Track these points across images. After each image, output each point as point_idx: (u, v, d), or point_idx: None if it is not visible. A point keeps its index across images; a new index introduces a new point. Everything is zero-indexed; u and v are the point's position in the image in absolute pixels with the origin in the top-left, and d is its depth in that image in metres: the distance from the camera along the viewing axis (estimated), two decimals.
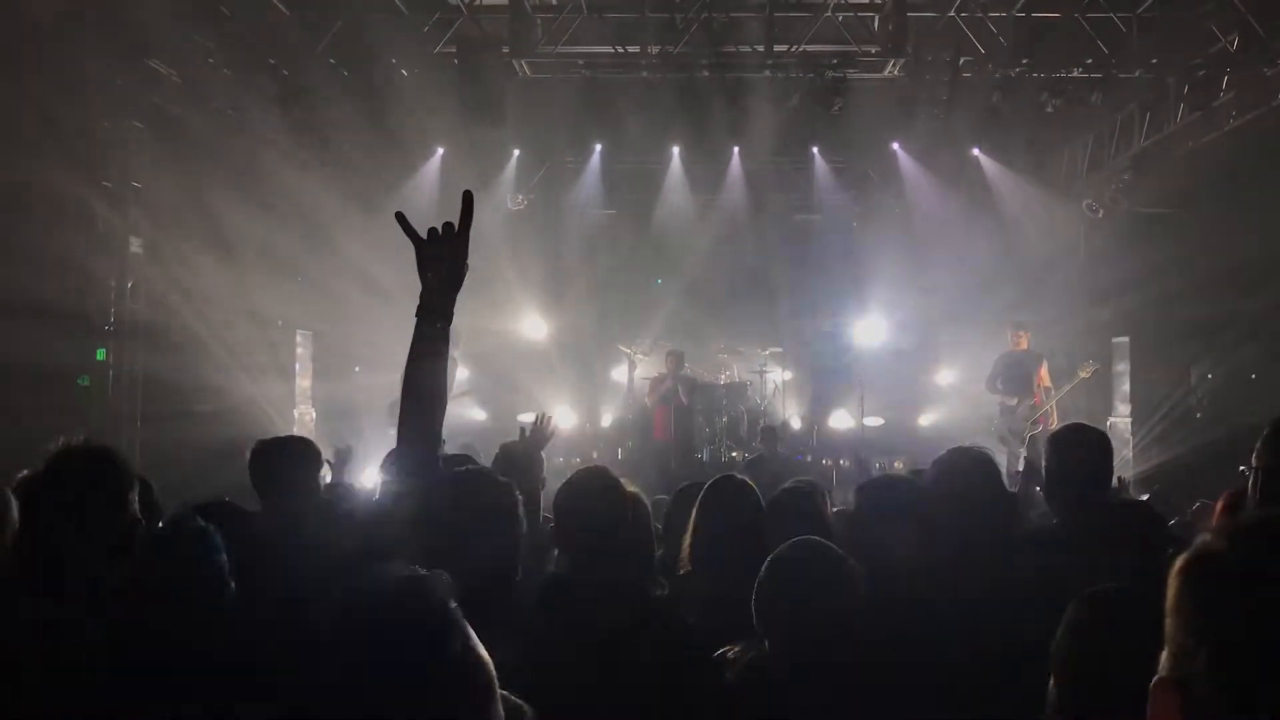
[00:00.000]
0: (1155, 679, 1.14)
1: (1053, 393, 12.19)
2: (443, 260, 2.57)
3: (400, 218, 2.60)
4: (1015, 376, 12.29)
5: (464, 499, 2.54)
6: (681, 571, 3.64)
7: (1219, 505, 3.86)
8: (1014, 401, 12.21)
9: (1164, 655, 1.15)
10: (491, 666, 1.43)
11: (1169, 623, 1.14)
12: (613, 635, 2.70)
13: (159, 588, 2.50)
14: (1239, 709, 1.05)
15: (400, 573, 1.44)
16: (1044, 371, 12.34)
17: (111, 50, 10.13)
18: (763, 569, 2.81)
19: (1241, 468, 3.08)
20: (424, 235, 2.58)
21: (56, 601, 2.56)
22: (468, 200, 2.60)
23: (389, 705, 1.33)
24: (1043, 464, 3.92)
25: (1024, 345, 12.45)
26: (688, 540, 3.69)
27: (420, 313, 2.59)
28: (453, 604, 1.42)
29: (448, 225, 2.58)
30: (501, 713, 1.44)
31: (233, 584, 2.70)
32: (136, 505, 2.90)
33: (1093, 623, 2.09)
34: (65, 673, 2.32)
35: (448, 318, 2.59)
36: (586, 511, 3.10)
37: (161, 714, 2.25)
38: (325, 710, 1.35)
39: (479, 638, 1.43)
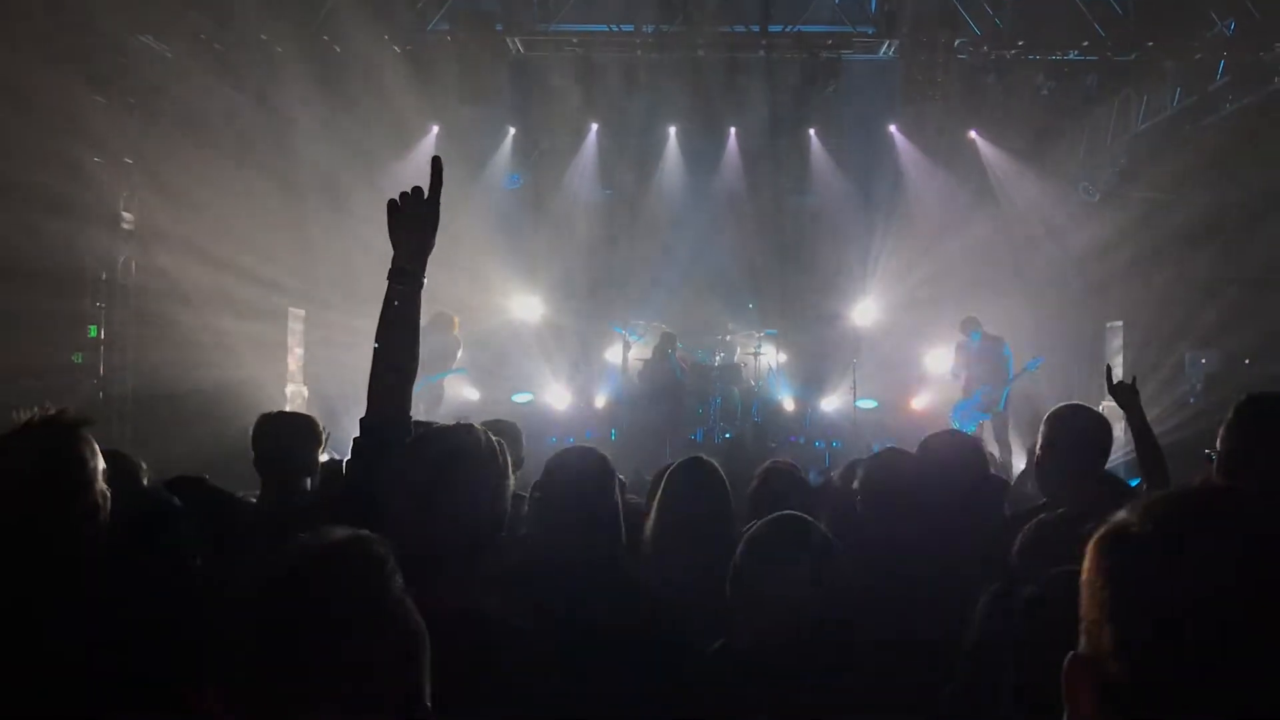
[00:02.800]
0: (1069, 655, 1.12)
1: (1010, 378, 12.27)
2: (414, 225, 2.62)
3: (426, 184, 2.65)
4: (979, 362, 12.41)
5: (443, 448, 2.49)
6: (646, 554, 3.52)
7: None
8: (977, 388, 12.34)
9: (1080, 631, 1.13)
10: (426, 637, 1.42)
11: (1082, 597, 1.12)
12: (583, 610, 2.68)
13: (121, 564, 2.47)
14: (1146, 686, 1.03)
15: (340, 533, 1.44)
16: (1007, 352, 12.41)
17: (103, 26, 10.07)
18: (739, 546, 2.71)
19: (1206, 451, 3.08)
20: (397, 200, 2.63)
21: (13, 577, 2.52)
22: (437, 166, 2.65)
23: (311, 653, 1.34)
24: (1037, 442, 3.87)
25: (969, 333, 12.59)
26: (650, 523, 3.57)
27: (392, 276, 2.64)
28: (389, 565, 1.42)
29: (418, 190, 2.63)
30: (427, 685, 1.42)
31: (199, 559, 2.69)
32: (101, 482, 2.77)
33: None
34: (17, 651, 2.29)
35: (419, 281, 2.64)
36: (572, 487, 3.07)
37: (120, 692, 2.23)
38: (256, 661, 1.36)
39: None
